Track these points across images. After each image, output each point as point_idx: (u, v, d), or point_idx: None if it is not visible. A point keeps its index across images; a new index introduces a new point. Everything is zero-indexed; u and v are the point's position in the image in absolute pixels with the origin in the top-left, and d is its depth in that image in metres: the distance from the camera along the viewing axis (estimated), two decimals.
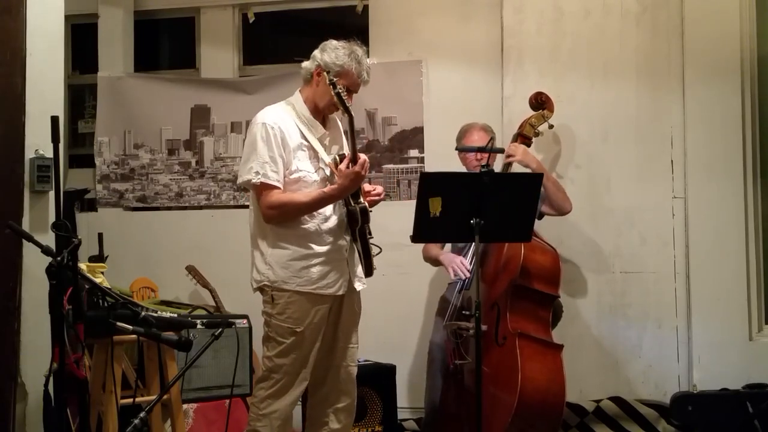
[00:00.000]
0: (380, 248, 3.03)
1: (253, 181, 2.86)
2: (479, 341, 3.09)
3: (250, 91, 4.70)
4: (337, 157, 2.95)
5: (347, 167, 2.85)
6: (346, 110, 2.85)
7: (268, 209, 2.89)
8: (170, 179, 4.82)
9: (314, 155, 2.96)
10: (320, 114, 3.00)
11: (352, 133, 2.87)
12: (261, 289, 2.99)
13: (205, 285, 4.38)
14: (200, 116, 4.81)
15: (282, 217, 2.90)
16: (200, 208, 4.81)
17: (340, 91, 2.81)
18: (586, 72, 4.23)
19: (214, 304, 4.30)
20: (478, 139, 3.87)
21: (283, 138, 2.90)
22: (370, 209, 3.01)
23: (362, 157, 2.86)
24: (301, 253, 2.92)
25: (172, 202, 4.83)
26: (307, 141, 2.96)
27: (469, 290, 3.64)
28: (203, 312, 3.97)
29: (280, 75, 4.63)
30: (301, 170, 2.92)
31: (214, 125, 4.80)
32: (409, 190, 4.57)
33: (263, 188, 2.87)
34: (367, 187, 3.04)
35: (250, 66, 4.91)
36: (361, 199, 2.95)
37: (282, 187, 2.89)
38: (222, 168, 4.78)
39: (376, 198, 3.02)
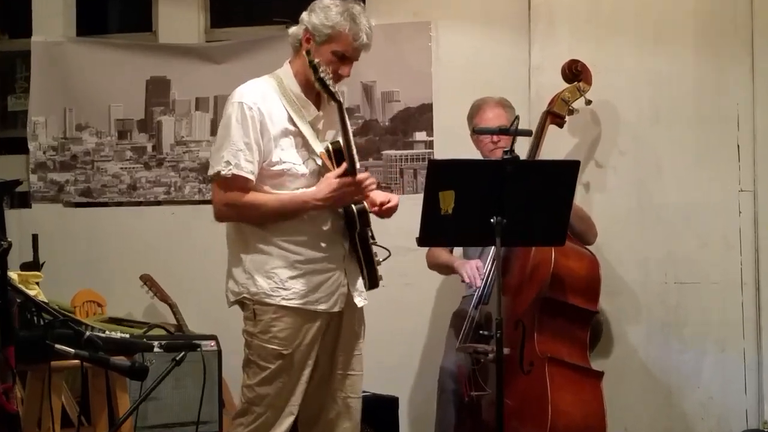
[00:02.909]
0: (389, 251, 3.04)
1: (224, 173, 2.87)
2: (501, 368, 3.09)
3: (218, 60, 4.70)
4: (330, 147, 2.94)
5: (342, 175, 2.85)
6: (333, 98, 2.85)
7: (224, 206, 2.91)
8: (121, 168, 4.81)
9: (303, 143, 2.96)
10: (314, 91, 3.00)
11: (344, 126, 2.88)
12: (241, 304, 2.99)
13: (164, 298, 4.39)
14: (158, 90, 4.80)
15: (237, 219, 2.95)
16: (158, 203, 4.81)
17: (323, 76, 2.81)
18: (632, 37, 4.22)
19: (174, 321, 4.30)
20: (493, 117, 3.86)
21: (262, 122, 2.90)
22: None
23: (363, 174, 2.86)
24: (289, 259, 2.93)
25: (123, 196, 4.82)
26: (295, 126, 2.95)
27: (488, 305, 3.64)
28: (161, 332, 3.97)
29: (256, 40, 4.63)
30: (285, 162, 2.93)
31: (174, 101, 4.79)
32: (415, 181, 4.57)
33: (233, 181, 2.88)
34: (378, 196, 3.03)
35: (218, 29, 4.90)
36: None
37: (254, 179, 2.90)
38: (185, 154, 4.77)
39: (387, 211, 3.01)
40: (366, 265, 3.01)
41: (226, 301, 3.03)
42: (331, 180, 2.87)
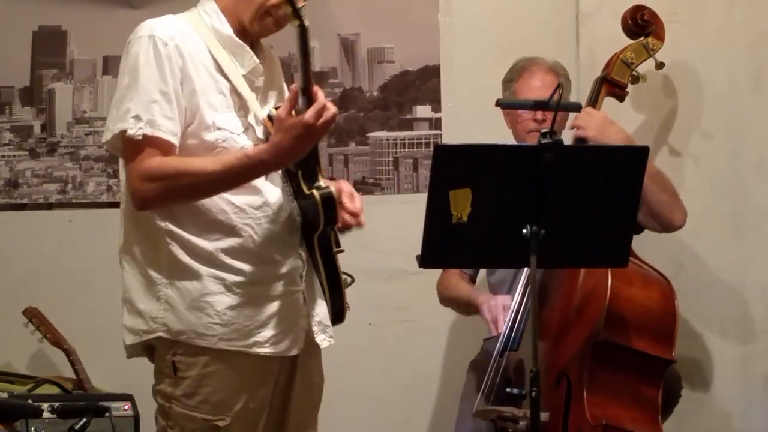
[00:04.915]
0: (351, 276, 3.02)
1: (131, 132, 2.79)
2: None
3: (136, 3, 4.69)
4: (275, 111, 2.91)
5: (289, 107, 2.77)
6: (296, 14, 2.75)
7: (143, 181, 2.81)
8: None
9: (240, 104, 2.94)
10: (248, 37, 2.99)
11: (306, 55, 2.79)
12: (149, 349, 2.97)
13: (58, 341, 4.36)
14: (49, 46, 4.79)
15: (166, 198, 2.84)
16: (49, 206, 4.80)
17: None
18: None
19: (72, 374, 4.28)
20: (541, 87, 3.88)
21: (183, 66, 2.86)
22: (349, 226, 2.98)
23: (320, 96, 2.78)
24: (226, 281, 2.91)
25: None
26: (228, 79, 2.93)
27: (519, 351, 3.64)
28: (54, 389, 3.95)
29: None
30: (220, 128, 2.89)
31: (73, 62, 4.79)
32: (415, 176, 4.56)
33: (146, 145, 2.82)
34: (346, 189, 3.00)
35: None
36: (321, 182, 2.92)
37: (177, 146, 2.85)
38: (87, 137, 4.76)
39: (350, 220, 2.97)
40: (330, 286, 2.98)
41: (124, 347, 2.98)
42: (283, 119, 2.76)
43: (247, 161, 2.81)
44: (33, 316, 4.41)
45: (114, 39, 4.68)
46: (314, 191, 2.89)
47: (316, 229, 2.92)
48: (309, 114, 2.75)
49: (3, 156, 4.79)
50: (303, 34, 2.78)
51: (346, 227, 2.99)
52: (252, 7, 2.89)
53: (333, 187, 2.93)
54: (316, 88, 2.80)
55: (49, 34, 4.78)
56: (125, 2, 4.70)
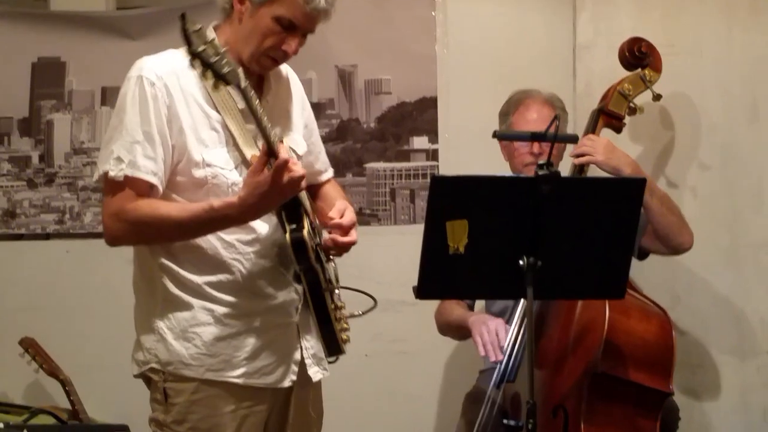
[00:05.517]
0: (374, 299, 3.02)
1: (113, 174, 2.83)
2: None
3: (134, 34, 4.70)
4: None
5: (258, 168, 2.75)
6: (224, 80, 2.67)
7: (114, 220, 2.84)
8: None
9: (233, 141, 2.93)
10: (253, 72, 2.98)
11: (255, 115, 2.77)
12: (146, 379, 2.97)
13: (54, 372, 4.36)
14: (48, 77, 4.80)
15: (133, 239, 2.90)
16: (46, 237, 4.80)
17: (197, 48, 2.62)
18: (719, 4, 4.25)
19: (68, 405, 4.28)
20: (538, 120, 3.88)
21: (171, 105, 2.87)
22: (332, 255, 3.00)
23: (282, 153, 2.76)
24: (215, 313, 2.92)
25: None
26: (221, 115, 2.93)
27: (516, 383, 3.63)
28: (50, 419, 3.93)
29: (187, 7, 4.61)
30: (210, 164, 2.90)
31: (72, 93, 4.80)
32: (412, 207, 4.56)
33: (125, 186, 2.83)
34: (338, 207, 3.01)
35: None
36: (304, 222, 2.90)
37: (161, 186, 2.87)
38: (85, 167, 4.76)
39: (343, 241, 2.98)
40: (319, 321, 2.97)
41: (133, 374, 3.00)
42: (250, 175, 2.76)
43: (213, 214, 2.83)
44: (29, 346, 4.41)
45: (112, 70, 4.70)
46: (287, 233, 2.89)
47: (296, 266, 2.93)
48: (270, 172, 2.74)
49: (1, 186, 4.80)
50: (244, 95, 2.76)
51: (339, 247, 3.00)
52: (249, 48, 2.91)
53: (305, 231, 2.89)
54: (279, 146, 2.79)
55: (48, 65, 4.80)
56: (124, 33, 4.72)
